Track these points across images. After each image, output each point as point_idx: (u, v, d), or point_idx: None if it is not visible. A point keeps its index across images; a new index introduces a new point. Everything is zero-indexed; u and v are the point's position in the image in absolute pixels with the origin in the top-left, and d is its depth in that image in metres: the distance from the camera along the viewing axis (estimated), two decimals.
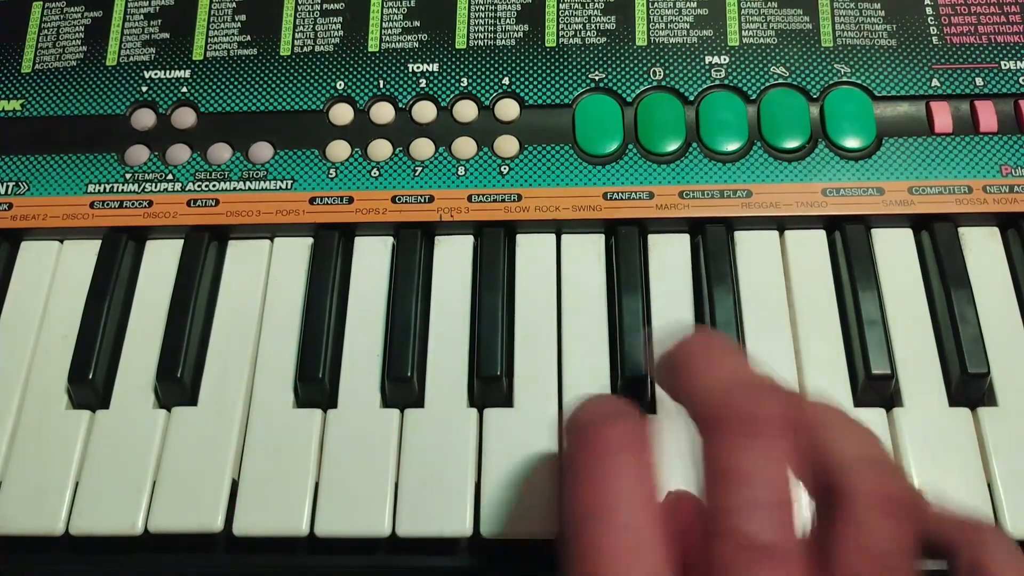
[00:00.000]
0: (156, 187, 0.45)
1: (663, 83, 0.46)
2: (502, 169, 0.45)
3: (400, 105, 0.46)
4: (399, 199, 0.44)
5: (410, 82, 0.47)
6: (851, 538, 0.25)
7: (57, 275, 0.44)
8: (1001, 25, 0.47)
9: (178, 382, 0.40)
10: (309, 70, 0.47)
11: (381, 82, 0.47)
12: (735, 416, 0.26)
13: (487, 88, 0.46)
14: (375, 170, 0.45)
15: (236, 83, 0.47)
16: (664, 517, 0.26)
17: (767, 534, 0.24)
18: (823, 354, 0.40)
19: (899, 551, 0.26)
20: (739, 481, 0.25)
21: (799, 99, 0.45)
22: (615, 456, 0.26)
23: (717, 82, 0.46)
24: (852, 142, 0.44)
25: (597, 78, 0.46)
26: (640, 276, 0.42)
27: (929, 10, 0.47)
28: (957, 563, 0.29)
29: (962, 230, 0.43)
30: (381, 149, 0.45)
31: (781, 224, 0.44)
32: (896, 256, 0.43)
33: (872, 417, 0.38)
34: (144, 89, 0.47)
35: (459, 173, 0.45)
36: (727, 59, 0.46)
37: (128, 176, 0.45)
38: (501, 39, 0.47)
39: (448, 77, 0.47)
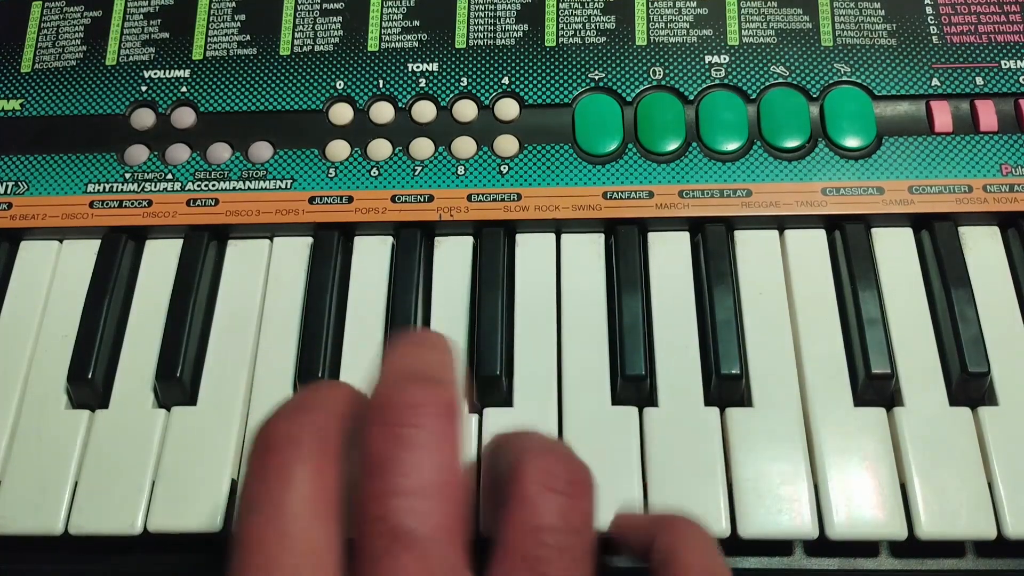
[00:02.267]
0: (156, 187, 0.45)
1: (663, 82, 0.46)
2: (502, 169, 0.45)
3: (400, 105, 0.46)
4: (399, 199, 0.44)
5: (410, 82, 0.47)
6: (517, 516, 0.26)
7: (57, 275, 0.44)
8: (1001, 24, 0.46)
9: (178, 382, 0.40)
10: (309, 70, 0.47)
11: (381, 82, 0.47)
12: (383, 404, 0.26)
13: (487, 88, 0.46)
14: (375, 170, 0.45)
15: (236, 83, 0.47)
16: (336, 509, 0.25)
17: (408, 521, 0.24)
18: (823, 353, 0.40)
19: (567, 528, 0.26)
20: (383, 469, 0.25)
21: (799, 98, 0.45)
22: (280, 451, 0.26)
23: (717, 81, 0.46)
24: (852, 141, 0.44)
25: (597, 77, 0.46)
26: (640, 276, 0.42)
27: (929, 9, 0.47)
28: (653, 555, 0.30)
29: (962, 229, 0.43)
30: (381, 149, 0.45)
31: (781, 223, 0.44)
32: (896, 255, 0.43)
33: (872, 416, 0.38)
34: (144, 89, 0.47)
35: (459, 173, 0.45)
36: (727, 58, 0.46)
37: (128, 176, 0.45)
38: (501, 39, 0.47)
39: (448, 77, 0.47)
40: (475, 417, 0.39)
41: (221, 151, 0.46)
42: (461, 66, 0.47)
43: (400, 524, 0.24)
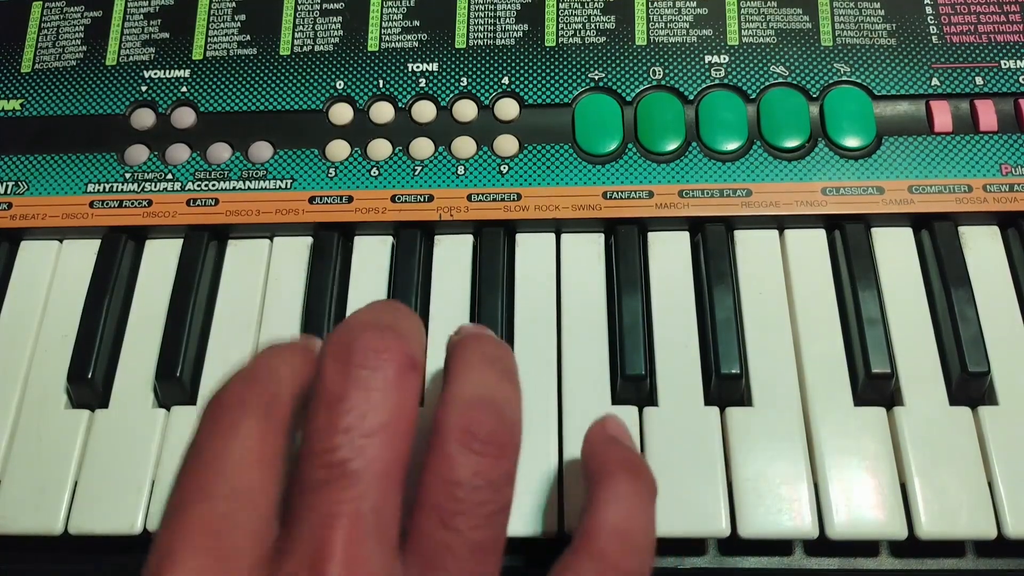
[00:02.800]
0: (156, 187, 0.45)
1: (663, 82, 0.46)
2: (502, 168, 0.45)
3: (400, 104, 0.46)
4: (399, 198, 0.44)
5: (410, 81, 0.47)
6: (433, 469, 0.26)
7: (56, 275, 0.44)
8: (1001, 24, 0.46)
9: (177, 381, 0.40)
10: (309, 70, 0.47)
11: (381, 81, 0.47)
12: (344, 342, 0.26)
13: (487, 87, 0.46)
14: (375, 169, 0.45)
15: (236, 83, 0.47)
16: (275, 467, 0.26)
17: (351, 458, 0.24)
18: (823, 353, 0.40)
19: (481, 483, 0.26)
20: (333, 404, 0.25)
21: (799, 98, 0.45)
22: (230, 409, 0.26)
23: (717, 81, 0.46)
24: (852, 141, 0.44)
25: (597, 77, 0.46)
26: (640, 275, 0.42)
27: (929, 9, 0.47)
28: (586, 498, 0.30)
29: (962, 229, 0.43)
30: (381, 148, 0.45)
31: (781, 223, 0.44)
32: (896, 255, 0.43)
33: (872, 416, 0.38)
34: (144, 89, 0.47)
35: (459, 172, 0.45)
36: (727, 58, 0.46)
37: (128, 176, 0.45)
38: (501, 38, 0.47)
39: (448, 76, 0.47)
40: None
41: (221, 151, 0.46)
42: (461, 66, 0.47)
43: (342, 459, 0.24)
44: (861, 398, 0.39)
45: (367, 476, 0.24)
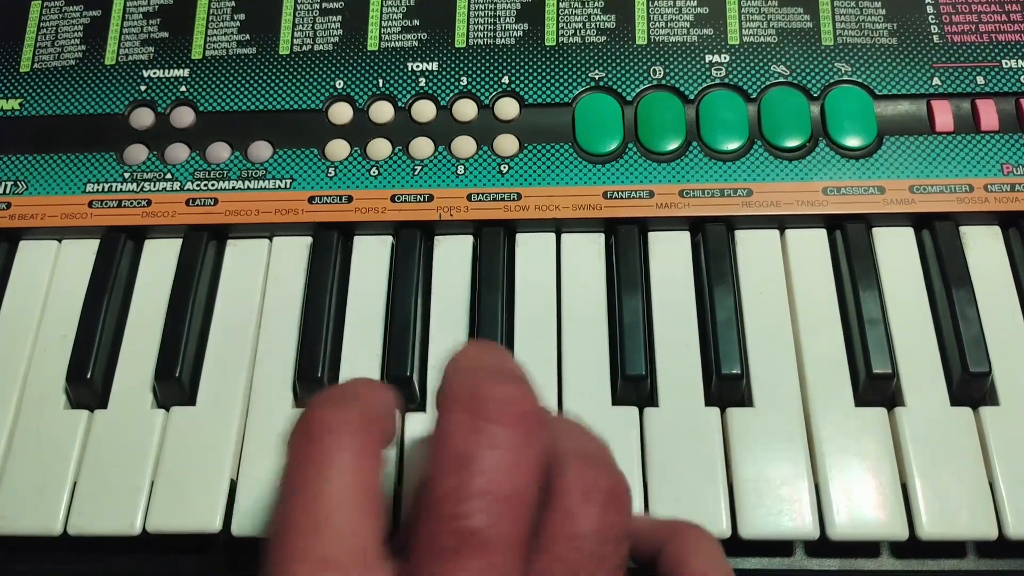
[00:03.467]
0: (155, 186, 0.45)
1: (663, 82, 0.46)
2: (502, 168, 0.44)
3: (399, 104, 0.46)
4: (398, 198, 0.44)
5: (409, 81, 0.47)
6: (557, 524, 0.25)
7: (55, 275, 0.44)
8: (1002, 23, 0.46)
9: (176, 382, 0.40)
10: (308, 69, 0.47)
11: (380, 81, 0.47)
12: (468, 392, 0.24)
13: (487, 87, 0.46)
14: (374, 169, 0.45)
15: (235, 82, 0.47)
16: (375, 501, 0.25)
17: (482, 525, 0.23)
18: (824, 353, 0.40)
19: (604, 538, 0.25)
20: (461, 464, 0.24)
21: (800, 98, 0.45)
22: (320, 439, 0.25)
23: (717, 81, 0.46)
24: (853, 141, 0.44)
25: (597, 77, 0.46)
26: (640, 275, 0.42)
27: (930, 8, 0.47)
28: (661, 561, 0.29)
29: (963, 229, 0.43)
30: (380, 148, 0.45)
31: (782, 223, 0.43)
32: (897, 255, 0.43)
33: (873, 416, 0.38)
34: (143, 88, 0.47)
35: (459, 172, 0.44)
36: (727, 58, 0.46)
37: (127, 175, 0.45)
38: (501, 38, 0.47)
39: (447, 76, 0.47)
40: None
41: (220, 151, 0.46)
42: (461, 65, 0.47)
43: (473, 527, 0.23)
44: (862, 398, 0.39)
45: (501, 545, 0.23)
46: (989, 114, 0.44)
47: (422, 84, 0.47)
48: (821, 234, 0.43)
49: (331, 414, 0.26)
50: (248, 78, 0.47)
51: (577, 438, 0.28)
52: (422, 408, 0.40)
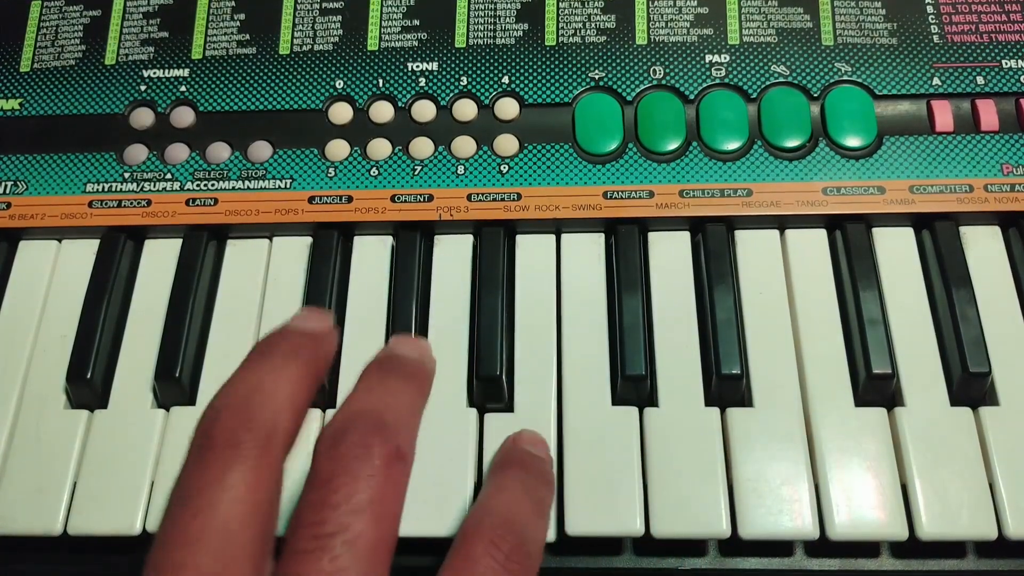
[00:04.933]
0: (155, 186, 0.45)
1: (663, 82, 0.46)
2: (502, 168, 0.44)
3: (399, 104, 0.46)
4: (398, 198, 0.44)
5: (409, 81, 0.47)
6: (455, 564, 0.29)
7: (55, 275, 0.44)
8: (1002, 23, 0.46)
9: (176, 382, 0.40)
10: (308, 69, 0.47)
11: (380, 81, 0.47)
12: (338, 434, 0.28)
13: (487, 87, 0.46)
14: (374, 169, 0.45)
15: (235, 82, 0.47)
16: (266, 515, 0.26)
17: (335, 529, 0.26)
18: (824, 353, 0.40)
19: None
20: (325, 484, 0.27)
21: (800, 98, 0.45)
22: (222, 450, 0.26)
23: (717, 81, 0.46)
24: (853, 141, 0.44)
25: (597, 77, 0.46)
26: (640, 275, 0.42)
27: (930, 8, 0.47)
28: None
29: (963, 229, 0.43)
30: (380, 148, 0.45)
31: (782, 223, 0.43)
32: (897, 255, 0.43)
33: (873, 417, 0.38)
34: (143, 88, 0.47)
35: (459, 172, 0.44)
36: (727, 58, 0.46)
37: (127, 175, 0.45)
38: (501, 38, 0.47)
39: (447, 76, 0.47)
40: (475, 416, 0.39)
41: (220, 151, 0.46)
42: (461, 65, 0.47)
43: (329, 532, 0.25)
44: (862, 398, 0.39)
45: (351, 550, 0.25)
46: (989, 114, 0.44)
47: (422, 84, 0.47)
48: (821, 234, 0.43)
49: (234, 423, 0.27)
50: (248, 78, 0.47)
51: (511, 503, 0.32)
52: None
